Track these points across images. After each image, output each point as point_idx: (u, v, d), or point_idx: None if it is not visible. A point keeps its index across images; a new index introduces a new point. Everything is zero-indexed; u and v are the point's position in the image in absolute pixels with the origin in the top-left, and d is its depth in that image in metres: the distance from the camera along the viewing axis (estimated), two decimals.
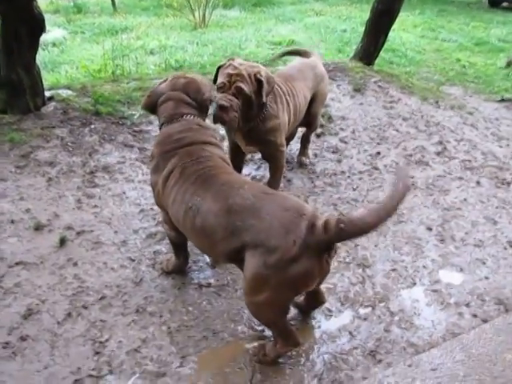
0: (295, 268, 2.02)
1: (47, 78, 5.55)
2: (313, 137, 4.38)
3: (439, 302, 2.84)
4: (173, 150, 2.46)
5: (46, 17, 4.13)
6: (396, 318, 2.72)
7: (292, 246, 2.01)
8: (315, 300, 2.60)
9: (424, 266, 3.11)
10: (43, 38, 4.24)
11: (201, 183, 2.31)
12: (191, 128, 2.53)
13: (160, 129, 2.65)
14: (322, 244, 2.04)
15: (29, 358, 2.37)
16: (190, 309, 2.69)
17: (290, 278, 2.05)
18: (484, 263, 3.16)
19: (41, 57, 4.55)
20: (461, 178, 4.14)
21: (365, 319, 2.70)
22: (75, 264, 2.95)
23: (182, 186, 2.35)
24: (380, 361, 2.46)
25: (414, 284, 2.97)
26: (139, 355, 2.42)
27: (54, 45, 8.42)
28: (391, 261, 3.14)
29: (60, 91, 4.86)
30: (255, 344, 2.48)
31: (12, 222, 3.17)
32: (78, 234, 3.18)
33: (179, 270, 2.91)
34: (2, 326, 2.51)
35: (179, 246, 2.81)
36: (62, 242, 3.09)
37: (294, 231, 2.03)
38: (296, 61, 4.08)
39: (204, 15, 10.52)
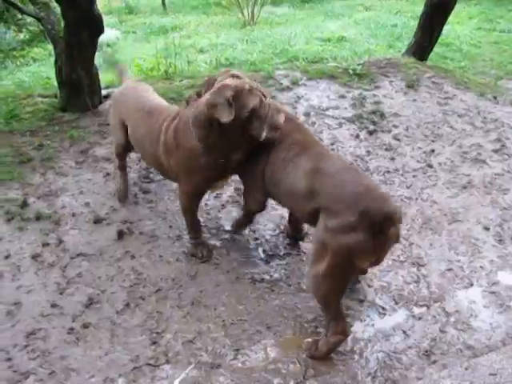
0: (352, 236, 2.14)
1: (103, 78, 5.76)
2: (365, 134, 4.33)
3: (498, 305, 2.74)
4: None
5: None
6: (452, 319, 2.65)
7: (353, 215, 2.14)
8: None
9: (481, 267, 3.02)
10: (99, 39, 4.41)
11: (302, 148, 2.55)
12: None
13: None
14: (382, 223, 2.13)
15: (91, 344, 2.49)
16: (244, 303, 2.74)
17: (346, 246, 2.16)
18: None
19: (96, 57, 4.70)
20: None
21: (419, 319, 2.65)
22: (132, 257, 3.06)
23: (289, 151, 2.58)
24: (435, 362, 2.42)
25: (471, 285, 2.89)
26: (194, 346, 2.49)
27: (108, 45, 8.73)
28: (447, 260, 3.06)
29: (115, 90, 5.02)
30: (309, 340, 2.50)
31: (73, 215, 3.33)
32: (135, 227, 3.29)
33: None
34: (66, 314, 2.65)
35: (252, 216, 3.15)
36: (120, 235, 3.22)
37: (359, 203, 2.16)
38: None
39: (253, 12, 10.57)
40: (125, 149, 3.41)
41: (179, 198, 3.04)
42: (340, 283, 2.33)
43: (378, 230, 2.13)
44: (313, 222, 2.41)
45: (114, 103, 3.50)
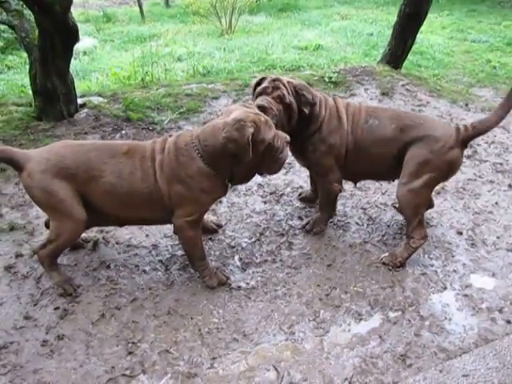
0: (451, 154, 2.90)
1: (79, 86, 5.73)
2: None
3: (471, 307, 2.80)
4: None
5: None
6: (426, 323, 2.69)
7: (450, 137, 2.91)
8: None
9: (455, 271, 3.07)
10: (75, 47, 4.37)
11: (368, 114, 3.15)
12: None
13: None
14: (465, 139, 2.93)
15: (66, 356, 2.45)
16: (221, 311, 2.73)
17: (447, 162, 2.91)
18: None
19: (72, 65, 4.68)
20: (492, 182, 4.07)
21: (395, 323, 2.68)
22: (108, 266, 3.04)
23: None
24: (410, 365, 2.45)
25: (445, 288, 2.94)
26: (171, 356, 2.47)
27: (84, 53, 8.69)
28: (421, 265, 3.11)
29: (92, 98, 5.01)
30: (385, 254, 3.11)
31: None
32: (111, 237, 3.27)
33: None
34: (40, 325, 2.60)
35: (335, 200, 3.37)
36: (95, 244, 3.19)
37: (450, 129, 2.99)
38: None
39: (230, 21, 10.66)
40: (85, 227, 2.82)
41: (181, 231, 2.76)
42: (430, 193, 3.10)
43: (465, 144, 2.95)
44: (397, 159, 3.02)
45: (55, 172, 2.60)
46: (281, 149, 2.63)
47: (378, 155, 3.07)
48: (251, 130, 2.47)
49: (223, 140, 2.51)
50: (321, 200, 3.36)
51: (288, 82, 2.97)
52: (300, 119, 3.03)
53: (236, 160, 2.57)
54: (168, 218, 2.77)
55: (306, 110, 2.99)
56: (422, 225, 3.04)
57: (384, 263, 3.09)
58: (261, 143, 2.54)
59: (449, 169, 2.95)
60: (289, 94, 2.94)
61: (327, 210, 3.35)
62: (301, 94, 2.97)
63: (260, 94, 2.97)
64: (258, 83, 3.06)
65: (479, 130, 2.91)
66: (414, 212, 2.98)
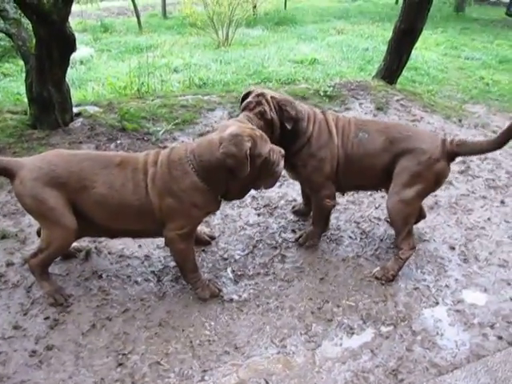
0: (437, 166, 2.97)
1: (75, 95, 5.72)
2: None
3: (463, 323, 2.80)
4: None
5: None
6: (418, 338, 2.69)
7: (436, 149, 2.99)
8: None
9: (447, 286, 3.08)
10: (71, 56, 4.38)
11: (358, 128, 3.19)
12: None
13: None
14: (450, 153, 3.01)
15: (55, 367, 2.42)
16: (212, 323, 2.72)
17: (434, 173, 2.98)
18: (509, 284, 3.11)
19: (69, 74, 4.68)
20: (484, 197, 4.10)
21: (387, 338, 2.68)
22: (100, 276, 3.02)
23: None
24: (402, 380, 2.44)
25: (437, 303, 2.94)
26: (161, 368, 2.45)
27: (81, 62, 8.69)
28: (413, 279, 3.12)
29: (87, 107, 5.01)
30: (377, 269, 3.13)
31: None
32: (103, 247, 3.25)
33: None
34: (29, 335, 2.58)
35: (328, 215, 3.37)
36: (88, 254, 3.17)
37: (436, 142, 3.04)
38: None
39: (227, 34, 10.73)
40: (76, 237, 2.80)
41: (172, 244, 2.75)
42: (420, 203, 3.17)
43: (450, 157, 3.03)
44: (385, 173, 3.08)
45: (46, 180, 2.60)
46: (276, 162, 2.66)
47: (369, 167, 3.11)
48: (249, 144, 2.50)
49: (221, 155, 2.52)
50: (314, 215, 3.36)
51: (272, 98, 2.99)
52: (285, 134, 3.03)
53: (232, 175, 2.58)
54: (159, 230, 2.76)
55: (289, 126, 3.00)
56: (411, 235, 3.10)
57: (376, 278, 3.10)
58: (258, 157, 2.56)
59: (436, 180, 3.03)
60: (271, 109, 2.96)
61: (320, 224, 3.36)
62: (284, 110, 2.99)
63: (243, 109, 3.00)
64: (245, 96, 3.09)
65: (464, 149, 3.01)
66: (404, 222, 3.04)
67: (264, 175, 2.67)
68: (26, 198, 2.62)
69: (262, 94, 2.99)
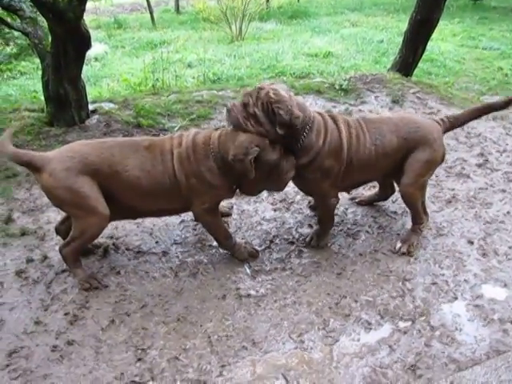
0: (443, 148, 3.22)
1: (90, 92, 5.78)
2: None
3: (482, 318, 2.76)
4: None
5: None
6: (437, 333, 2.66)
7: (439, 133, 3.20)
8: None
9: (466, 281, 3.04)
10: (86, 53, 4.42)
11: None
12: None
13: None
14: (444, 132, 3.28)
15: (75, 361, 2.46)
16: (230, 319, 2.73)
17: (442, 155, 3.21)
18: None
19: (84, 71, 4.72)
20: (504, 191, 4.03)
21: (405, 333, 2.66)
22: (118, 273, 3.05)
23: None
24: (420, 376, 2.42)
25: (456, 298, 2.90)
26: (180, 363, 2.47)
27: (96, 59, 8.77)
28: (431, 274, 3.09)
29: (103, 104, 5.06)
30: (399, 245, 3.28)
31: None
32: (121, 243, 3.29)
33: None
34: (50, 330, 2.62)
35: (332, 221, 3.35)
36: (106, 251, 3.20)
37: (437, 126, 3.23)
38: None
39: (241, 28, 10.71)
40: (109, 221, 2.87)
41: (200, 218, 3.01)
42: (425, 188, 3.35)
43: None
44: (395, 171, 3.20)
45: (79, 169, 2.67)
46: (286, 169, 2.84)
47: (383, 167, 3.18)
48: (254, 154, 2.68)
49: (231, 160, 2.73)
50: (321, 216, 3.37)
51: (267, 95, 2.70)
52: (293, 148, 2.85)
53: (243, 175, 2.78)
54: (184, 207, 2.99)
55: (280, 131, 2.70)
56: (423, 207, 3.39)
57: (404, 253, 3.25)
58: (265, 164, 2.75)
59: (442, 160, 3.29)
60: (255, 105, 2.72)
61: (328, 224, 3.35)
62: (277, 114, 2.68)
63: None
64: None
65: (456, 122, 3.36)
66: (419, 202, 3.30)
67: (273, 179, 2.87)
68: (59, 190, 2.67)
69: (261, 88, 2.77)
